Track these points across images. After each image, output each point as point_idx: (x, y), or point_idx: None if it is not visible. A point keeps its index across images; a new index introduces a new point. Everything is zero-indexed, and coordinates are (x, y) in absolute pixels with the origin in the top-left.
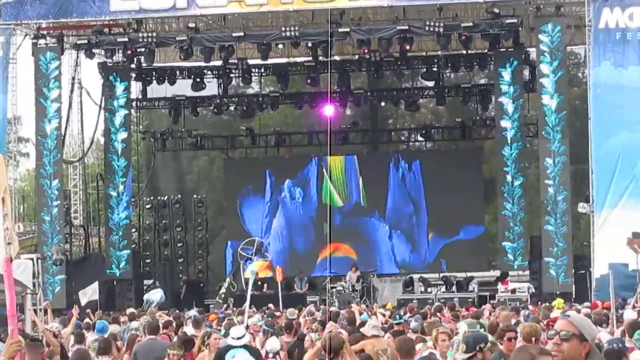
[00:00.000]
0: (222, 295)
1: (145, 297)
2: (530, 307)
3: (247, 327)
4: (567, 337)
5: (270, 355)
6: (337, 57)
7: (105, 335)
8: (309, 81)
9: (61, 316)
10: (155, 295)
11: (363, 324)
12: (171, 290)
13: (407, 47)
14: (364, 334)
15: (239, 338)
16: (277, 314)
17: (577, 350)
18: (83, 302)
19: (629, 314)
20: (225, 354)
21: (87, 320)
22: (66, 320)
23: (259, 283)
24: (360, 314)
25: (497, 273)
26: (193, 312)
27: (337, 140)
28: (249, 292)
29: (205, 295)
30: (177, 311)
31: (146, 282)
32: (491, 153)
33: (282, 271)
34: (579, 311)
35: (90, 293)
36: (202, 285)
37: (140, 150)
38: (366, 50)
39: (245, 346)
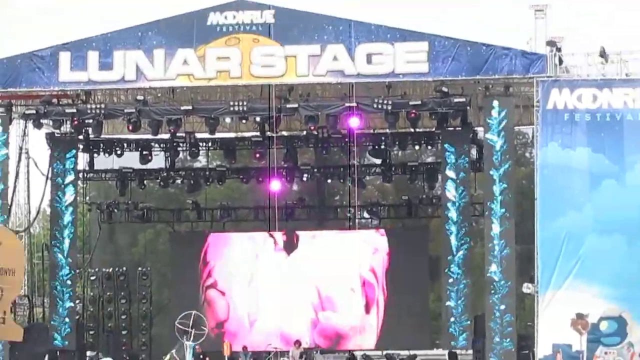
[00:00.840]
0: None
1: None
2: None
3: None
4: None
5: None
6: (284, 133)
7: None
8: (257, 156)
9: None
10: None
11: None
12: None
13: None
14: None
15: None
16: None
17: None
18: None
19: None
20: None
21: None
22: None
23: (201, 357)
24: None
25: (441, 351)
26: None
27: (283, 215)
28: None
29: None
30: None
31: (89, 353)
32: (437, 231)
33: (230, 345)
34: None
35: None
36: (143, 358)
37: (86, 221)
38: (312, 127)
39: None
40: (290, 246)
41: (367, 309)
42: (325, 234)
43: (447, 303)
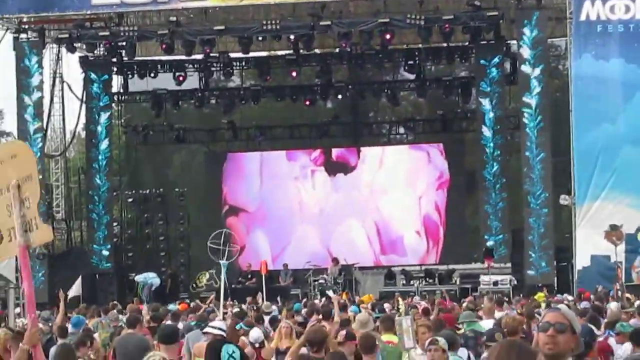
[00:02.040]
0: (202, 287)
1: (141, 279)
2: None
3: (224, 318)
4: (562, 329)
5: (256, 345)
6: (318, 50)
7: (81, 330)
8: (293, 74)
9: (44, 310)
10: (154, 279)
11: (345, 319)
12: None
13: (388, 40)
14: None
15: (222, 329)
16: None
17: (569, 343)
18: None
19: (615, 306)
20: (221, 348)
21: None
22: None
23: (249, 276)
24: (345, 306)
25: (479, 265)
26: (173, 306)
27: (318, 133)
28: (222, 284)
29: (182, 289)
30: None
31: (130, 275)
32: (472, 146)
33: (266, 264)
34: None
35: (75, 290)
36: (182, 279)
37: (122, 144)
38: (345, 44)
39: (233, 342)
40: (333, 165)
41: (429, 250)
42: (387, 150)
43: (484, 217)
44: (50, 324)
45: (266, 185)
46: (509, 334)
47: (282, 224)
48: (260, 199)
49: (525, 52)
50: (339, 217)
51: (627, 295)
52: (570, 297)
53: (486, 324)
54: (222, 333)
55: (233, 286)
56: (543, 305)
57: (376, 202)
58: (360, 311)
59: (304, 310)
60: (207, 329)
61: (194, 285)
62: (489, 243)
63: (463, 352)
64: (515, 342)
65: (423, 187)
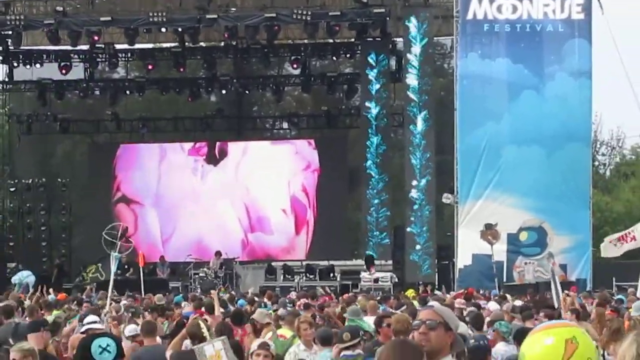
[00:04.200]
0: (87, 280)
1: (16, 279)
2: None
3: (109, 312)
4: (433, 326)
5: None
6: (203, 44)
7: None
8: (180, 69)
9: None
10: (29, 278)
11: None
12: (34, 274)
13: (274, 34)
14: (258, 321)
15: (95, 322)
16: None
17: (443, 339)
18: None
19: (493, 306)
20: (91, 343)
21: None
22: None
23: (126, 267)
24: (236, 299)
25: (360, 262)
26: (52, 296)
27: (202, 126)
28: (112, 277)
29: (67, 279)
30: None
31: (9, 265)
32: (356, 142)
33: (144, 256)
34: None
35: None
36: (65, 270)
37: (5, 132)
38: (227, 35)
39: (107, 334)
40: (213, 158)
41: (298, 230)
42: (257, 144)
43: (366, 214)
44: None
45: (153, 176)
46: (396, 334)
47: (167, 215)
48: (147, 189)
49: (411, 50)
50: (212, 203)
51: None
52: (439, 293)
53: (370, 321)
54: (100, 326)
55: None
56: (415, 303)
57: (245, 185)
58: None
59: (184, 304)
60: (87, 327)
61: (82, 277)
62: (368, 252)
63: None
64: (401, 340)
65: (291, 173)
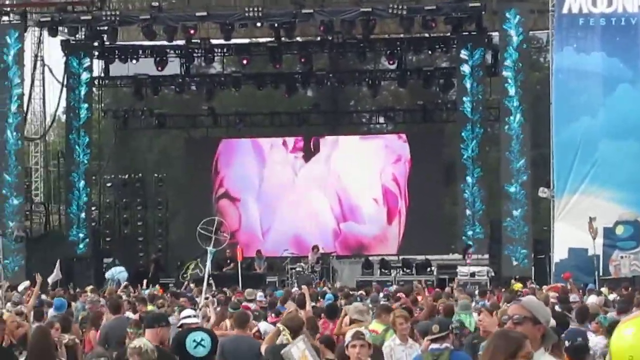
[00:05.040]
0: (187, 276)
1: (109, 275)
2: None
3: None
4: (519, 321)
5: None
6: (299, 39)
7: (64, 313)
8: (276, 64)
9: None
10: (122, 274)
11: (332, 307)
12: (130, 269)
13: (370, 29)
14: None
15: (194, 316)
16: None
17: (532, 334)
18: (50, 282)
19: (594, 300)
20: (186, 338)
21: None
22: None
23: (228, 262)
24: (324, 295)
25: (456, 256)
26: (148, 291)
27: (298, 121)
28: (207, 271)
29: (164, 274)
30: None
31: (106, 260)
32: (452, 136)
33: (242, 251)
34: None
35: (55, 274)
36: (161, 264)
37: (102, 128)
38: (322, 30)
39: (201, 328)
40: (308, 152)
41: (390, 220)
42: (347, 139)
43: (463, 208)
44: (21, 307)
45: (253, 171)
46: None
47: (267, 209)
48: (248, 184)
49: (507, 44)
50: (306, 195)
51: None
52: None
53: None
54: (196, 320)
55: (209, 274)
56: None
57: (337, 177)
58: (335, 299)
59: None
60: (182, 321)
61: (182, 273)
62: (467, 241)
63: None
64: (501, 331)
65: (381, 165)
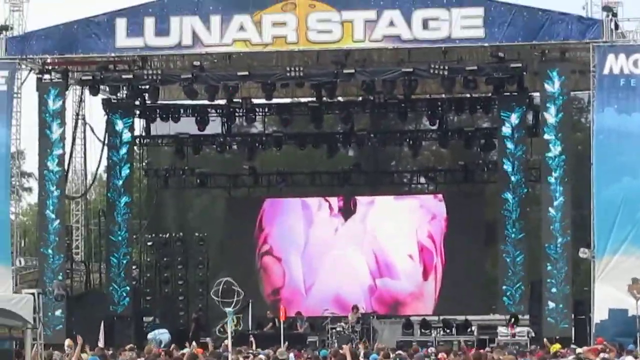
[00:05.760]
0: (223, 333)
1: (151, 335)
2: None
3: None
4: None
5: None
6: (340, 98)
7: None
8: (318, 124)
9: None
10: (164, 335)
11: None
12: (171, 329)
13: (411, 89)
14: None
15: None
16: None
17: None
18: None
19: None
20: None
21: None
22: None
23: (270, 323)
24: (368, 355)
25: (497, 317)
26: (188, 350)
27: (339, 181)
28: (230, 332)
29: (205, 334)
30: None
31: (146, 319)
32: (493, 197)
33: (285, 310)
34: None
35: (102, 337)
36: (202, 324)
37: (143, 187)
38: (364, 88)
39: None
40: (347, 211)
41: (425, 276)
42: (383, 199)
43: (503, 268)
44: None
45: (295, 230)
46: None
47: (308, 268)
48: (291, 243)
49: (548, 105)
50: (344, 254)
51: None
52: (583, 348)
53: None
54: None
55: (250, 332)
56: None
57: (373, 234)
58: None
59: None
60: None
61: (221, 330)
62: (507, 302)
63: None
64: None
65: (416, 223)
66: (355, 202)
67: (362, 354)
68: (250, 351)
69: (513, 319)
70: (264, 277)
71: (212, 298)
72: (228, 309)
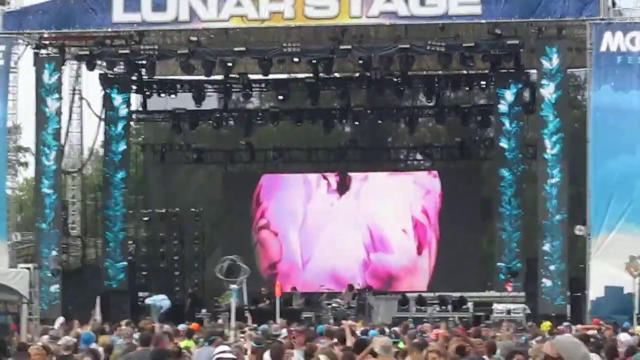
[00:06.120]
0: (221, 306)
1: (151, 301)
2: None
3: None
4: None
5: None
6: (337, 74)
7: (92, 347)
8: (314, 99)
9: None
10: (164, 301)
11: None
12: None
13: (409, 64)
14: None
15: (230, 352)
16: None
17: None
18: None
19: (626, 337)
20: None
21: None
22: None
23: (264, 299)
24: (365, 332)
25: (492, 293)
26: (183, 325)
27: (336, 157)
28: (233, 308)
29: (200, 309)
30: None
31: (141, 294)
32: (489, 174)
33: (281, 286)
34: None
35: (98, 312)
36: (198, 298)
37: (139, 162)
38: (360, 64)
39: None
40: (342, 187)
41: (419, 250)
42: (377, 175)
43: (499, 245)
44: (59, 343)
45: (292, 205)
46: None
47: (305, 243)
48: (287, 218)
49: (545, 82)
50: (339, 229)
51: None
52: (577, 326)
53: None
54: (232, 356)
55: (246, 307)
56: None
57: (367, 209)
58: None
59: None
60: (218, 356)
61: (217, 304)
62: (502, 277)
63: None
64: None
65: (410, 198)
66: (350, 179)
67: (359, 331)
68: (247, 326)
69: (510, 276)
70: (261, 251)
71: (214, 274)
72: (233, 286)
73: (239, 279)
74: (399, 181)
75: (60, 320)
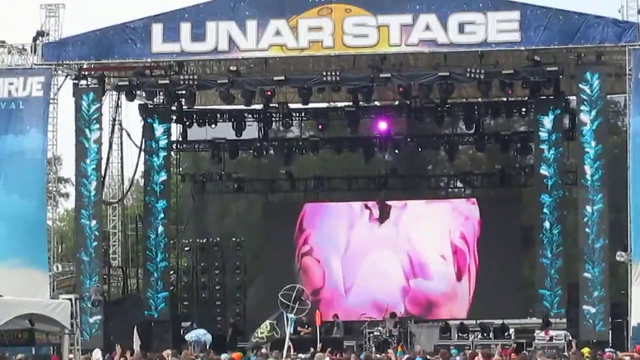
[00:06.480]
0: (262, 339)
1: (193, 336)
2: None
3: None
4: None
5: None
6: (377, 103)
7: None
8: (354, 128)
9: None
10: (207, 336)
11: None
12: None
13: (448, 92)
14: None
15: None
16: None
17: None
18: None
19: None
20: None
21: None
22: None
23: (306, 326)
24: None
25: (534, 320)
26: (225, 355)
27: (376, 185)
28: (287, 338)
29: (242, 339)
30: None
31: (183, 324)
32: (529, 201)
33: (320, 315)
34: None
35: (136, 342)
36: (239, 329)
37: (180, 192)
38: (400, 92)
39: None
40: (382, 215)
41: (459, 277)
42: (415, 203)
43: (540, 272)
44: None
45: (334, 234)
46: None
47: (347, 271)
48: (329, 248)
49: (585, 108)
50: (380, 256)
51: None
52: (619, 353)
53: None
54: None
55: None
56: None
57: (406, 236)
58: None
59: None
60: None
61: (256, 335)
62: (545, 304)
63: None
64: None
65: (449, 225)
66: (389, 207)
67: (405, 358)
68: (290, 356)
69: (546, 324)
70: (304, 278)
71: (255, 304)
72: (290, 315)
73: (298, 307)
74: (437, 208)
75: (98, 352)
